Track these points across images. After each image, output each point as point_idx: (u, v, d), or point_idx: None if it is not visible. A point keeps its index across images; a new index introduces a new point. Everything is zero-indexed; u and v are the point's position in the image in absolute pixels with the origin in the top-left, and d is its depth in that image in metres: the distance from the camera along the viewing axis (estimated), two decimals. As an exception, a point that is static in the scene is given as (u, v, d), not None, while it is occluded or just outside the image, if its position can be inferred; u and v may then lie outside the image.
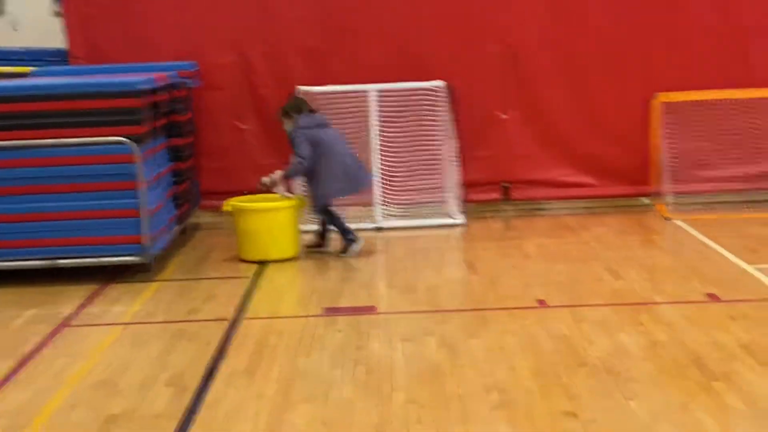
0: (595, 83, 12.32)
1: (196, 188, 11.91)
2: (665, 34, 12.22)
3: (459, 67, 12.15)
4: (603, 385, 6.38)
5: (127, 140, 9.30)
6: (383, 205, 11.72)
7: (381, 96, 11.72)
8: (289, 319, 8.27)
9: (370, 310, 8.36)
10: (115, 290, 9.25)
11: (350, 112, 11.66)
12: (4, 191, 9.38)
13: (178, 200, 10.83)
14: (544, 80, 12.37)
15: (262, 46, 12.39)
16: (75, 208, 9.37)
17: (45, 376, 6.96)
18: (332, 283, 9.31)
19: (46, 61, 12.46)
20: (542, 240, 10.82)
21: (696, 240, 10.44)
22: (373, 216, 11.66)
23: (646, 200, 12.42)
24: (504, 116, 12.43)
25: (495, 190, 12.53)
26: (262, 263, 9.98)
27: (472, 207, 12.18)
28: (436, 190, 11.97)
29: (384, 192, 11.75)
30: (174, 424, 6.03)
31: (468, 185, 12.08)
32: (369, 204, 11.63)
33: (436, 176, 11.95)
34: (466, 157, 11.99)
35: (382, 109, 11.73)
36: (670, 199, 11.94)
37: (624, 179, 12.42)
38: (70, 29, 12.46)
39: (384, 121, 11.73)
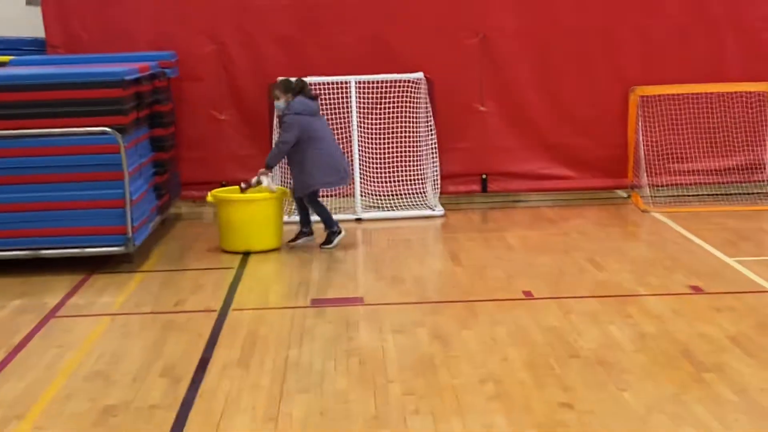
0: (572, 77, 12.39)
1: (177, 179, 11.88)
2: (641, 28, 12.30)
3: (436, 59, 12.17)
4: (596, 376, 6.44)
5: (112, 130, 9.28)
6: (362, 196, 11.75)
7: (360, 87, 11.74)
8: (277, 311, 8.28)
9: (357, 301, 8.38)
10: (100, 281, 9.22)
11: (329, 103, 11.68)
12: (-14, 181, 9.34)
13: (159, 190, 10.80)
14: (521, 73, 12.42)
15: (240, 35, 12.35)
16: (58, 199, 9.35)
17: (37, 368, 6.93)
18: (317, 274, 9.31)
19: (22, 50, 12.37)
20: (523, 232, 10.89)
21: (675, 232, 10.54)
22: (353, 207, 11.69)
23: (622, 193, 12.52)
24: (482, 108, 12.47)
25: (473, 182, 12.56)
26: (245, 254, 9.98)
27: (450, 198, 12.23)
28: (415, 181, 12.02)
29: (363, 183, 11.78)
30: (171, 414, 6.03)
31: (446, 177, 12.12)
32: (349, 195, 11.65)
33: (415, 168, 12.00)
34: (444, 148, 12.04)
35: (361, 100, 11.76)
36: (646, 191, 12.05)
37: (601, 172, 12.49)
38: (48, 19, 12.36)
39: (363, 113, 11.76)
